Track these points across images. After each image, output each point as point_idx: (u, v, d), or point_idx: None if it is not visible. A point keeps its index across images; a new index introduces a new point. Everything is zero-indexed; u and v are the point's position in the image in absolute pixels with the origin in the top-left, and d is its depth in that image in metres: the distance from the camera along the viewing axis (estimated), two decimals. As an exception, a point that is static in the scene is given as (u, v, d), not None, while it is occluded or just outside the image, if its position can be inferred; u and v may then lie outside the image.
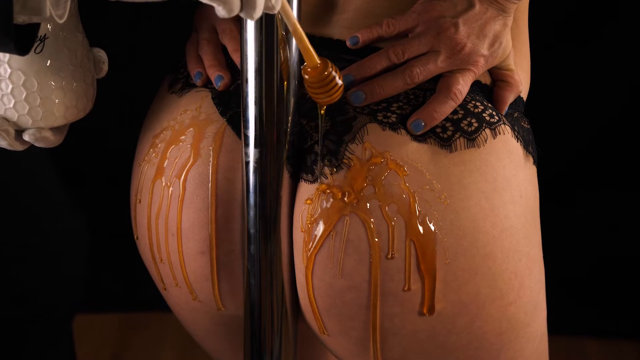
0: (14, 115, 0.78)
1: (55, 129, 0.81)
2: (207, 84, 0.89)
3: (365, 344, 0.83)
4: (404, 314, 0.81)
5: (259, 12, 0.65)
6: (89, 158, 1.91)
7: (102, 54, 0.84)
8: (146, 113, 0.95)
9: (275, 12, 0.67)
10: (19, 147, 0.81)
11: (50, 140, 0.81)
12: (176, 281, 0.90)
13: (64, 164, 1.47)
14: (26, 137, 0.80)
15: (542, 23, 1.13)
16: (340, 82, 0.75)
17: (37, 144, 0.81)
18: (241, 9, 0.64)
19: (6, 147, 0.80)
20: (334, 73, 0.74)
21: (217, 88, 0.87)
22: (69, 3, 0.66)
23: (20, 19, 0.63)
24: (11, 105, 0.78)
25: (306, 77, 0.75)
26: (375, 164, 0.79)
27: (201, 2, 0.66)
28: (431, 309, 0.80)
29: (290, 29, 0.71)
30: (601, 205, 1.94)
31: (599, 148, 1.89)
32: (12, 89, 0.77)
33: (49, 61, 0.78)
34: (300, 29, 0.72)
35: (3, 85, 0.77)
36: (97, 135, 1.75)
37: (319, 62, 0.74)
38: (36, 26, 0.68)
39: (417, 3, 0.83)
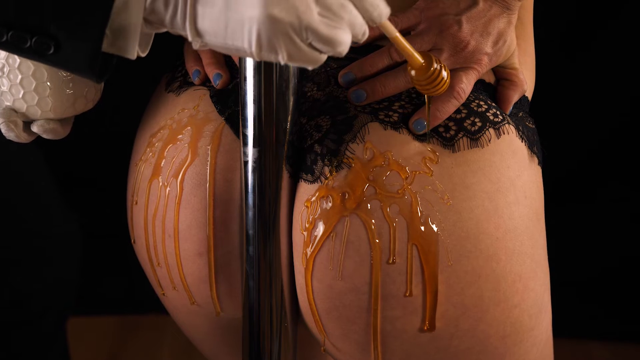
0: (22, 106, 0.79)
1: (62, 121, 0.82)
2: (206, 82, 0.89)
3: (366, 347, 0.83)
4: (406, 316, 0.80)
5: (345, 53, 0.67)
6: (85, 159, 1.92)
7: None
8: (143, 112, 0.95)
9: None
10: (26, 139, 0.81)
11: (59, 131, 0.82)
12: (173, 284, 0.89)
13: (58, 165, 1.47)
14: (35, 128, 0.81)
15: (549, 21, 1.13)
16: (445, 74, 0.77)
17: (45, 136, 0.81)
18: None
19: (13, 139, 0.81)
20: (438, 68, 0.76)
21: (215, 86, 0.87)
22: (151, 41, 0.70)
23: (106, 51, 0.67)
24: (20, 96, 0.78)
25: (412, 74, 0.77)
26: (376, 164, 0.79)
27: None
28: (432, 325, 0.80)
29: (390, 39, 0.73)
30: (607, 206, 1.95)
31: (609, 148, 1.90)
32: (21, 79, 0.77)
33: None
34: (401, 38, 0.73)
35: (12, 76, 0.77)
36: (93, 135, 1.75)
37: (422, 62, 0.75)
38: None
39: (419, 0, 0.83)
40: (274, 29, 0.63)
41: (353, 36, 0.67)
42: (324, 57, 0.66)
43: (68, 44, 0.66)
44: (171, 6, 0.65)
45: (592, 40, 1.79)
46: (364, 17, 0.67)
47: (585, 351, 1.88)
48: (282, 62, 0.65)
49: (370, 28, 0.82)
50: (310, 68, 0.66)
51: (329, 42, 0.65)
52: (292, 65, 0.66)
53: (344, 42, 0.65)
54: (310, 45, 0.65)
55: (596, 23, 1.78)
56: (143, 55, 0.70)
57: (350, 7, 0.66)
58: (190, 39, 0.66)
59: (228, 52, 0.67)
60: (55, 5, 0.64)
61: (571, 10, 1.78)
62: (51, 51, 0.66)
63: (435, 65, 0.76)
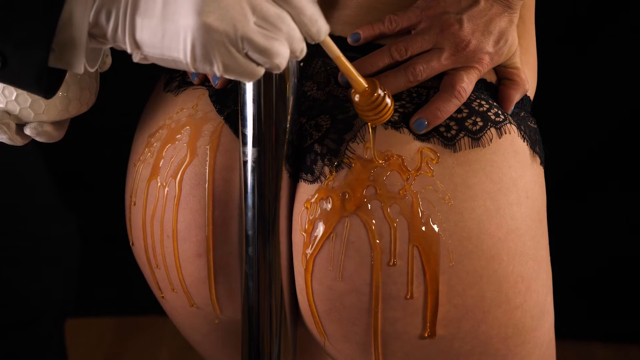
0: (15, 108, 0.78)
1: (56, 124, 0.81)
2: (204, 82, 0.88)
3: (367, 348, 0.82)
4: (406, 317, 0.80)
5: (283, 68, 0.67)
6: (83, 159, 1.92)
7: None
8: (141, 112, 0.94)
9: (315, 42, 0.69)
10: (19, 142, 0.81)
11: (52, 134, 0.81)
12: (172, 286, 0.89)
13: (56, 165, 1.47)
14: (27, 131, 0.80)
15: (551, 20, 1.13)
16: (389, 101, 0.76)
17: (38, 139, 0.81)
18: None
19: (6, 142, 0.80)
20: (382, 94, 0.76)
21: (214, 86, 0.87)
22: (101, 58, 0.69)
23: (53, 66, 0.66)
24: (13, 97, 0.78)
25: (355, 99, 0.76)
26: (376, 163, 0.79)
27: None
28: (432, 332, 0.80)
29: (333, 59, 0.73)
30: (610, 207, 1.95)
31: (609, 148, 1.90)
32: None
33: None
34: (344, 58, 0.73)
35: None
36: (91, 136, 1.75)
37: (366, 86, 0.75)
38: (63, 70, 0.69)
39: None
40: (209, 38, 0.63)
41: (291, 51, 0.66)
42: (261, 71, 0.66)
43: (15, 59, 0.65)
44: (112, 18, 0.65)
45: (594, 40, 1.79)
46: (302, 32, 0.67)
47: (588, 352, 1.88)
48: (218, 74, 0.65)
49: (369, 27, 0.83)
50: (247, 82, 0.67)
51: (265, 52, 0.64)
52: (228, 77, 0.66)
53: (281, 54, 0.65)
54: (246, 56, 0.65)
55: (598, 23, 1.78)
56: (91, 70, 0.70)
57: (289, 19, 0.66)
58: (129, 51, 0.66)
59: (167, 65, 0.67)
60: (1, 21, 0.64)
61: (573, 10, 1.77)
62: None
63: (379, 91, 0.75)
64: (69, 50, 0.66)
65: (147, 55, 0.66)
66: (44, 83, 0.66)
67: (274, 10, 0.65)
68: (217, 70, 0.65)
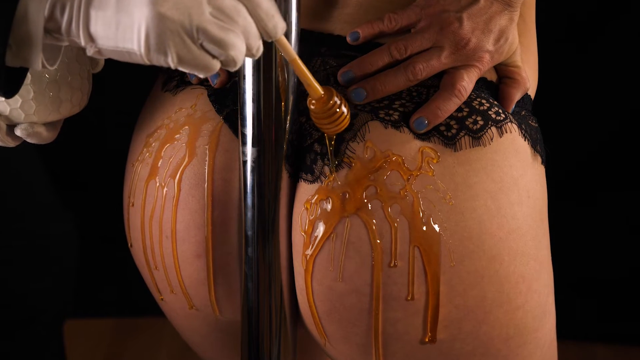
0: (5, 109, 0.78)
1: (48, 125, 0.81)
2: (203, 81, 0.88)
3: (367, 349, 0.82)
4: (407, 318, 0.80)
5: (240, 64, 0.67)
6: (81, 159, 1.92)
7: None
8: (139, 112, 0.94)
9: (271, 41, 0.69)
10: (10, 143, 0.80)
11: (43, 136, 0.81)
12: (171, 287, 0.89)
13: (54, 164, 1.47)
14: (18, 132, 0.80)
15: (552, 19, 1.12)
16: (345, 110, 0.76)
17: (29, 140, 0.80)
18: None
19: None
20: (338, 102, 0.76)
21: (213, 85, 0.86)
22: (60, 56, 0.70)
23: (11, 64, 0.66)
24: (2, 98, 0.76)
25: (311, 107, 0.76)
26: (377, 163, 0.79)
27: None
28: (434, 337, 0.80)
29: (289, 61, 0.73)
30: (612, 207, 1.95)
31: (610, 149, 1.90)
32: None
33: None
34: (300, 62, 0.73)
35: None
36: (89, 135, 1.75)
37: (322, 93, 0.75)
38: (24, 70, 0.69)
39: None
40: (163, 27, 0.63)
41: (247, 47, 0.66)
42: (217, 64, 0.66)
43: None
44: (67, 11, 0.65)
45: (596, 39, 1.79)
46: (258, 28, 0.67)
47: (590, 354, 1.88)
48: (173, 66, 0.64)
49: (369, 25, 0.82)
50: (202, 76, 0.66)
51: (221, 43, 0.64)
52: (183, 70, 0.65)
53: (237, 46, 0.65)
54: (201, 47, 0.64)
55: (599, 22, 1.78)
56: (50, 68, 0.69)
57: (245, 13, 0.66)
58: (83, 44, 0.66)
59: (121, 57, 0.66)
60: None
61: (574, 8, 1.77)
62: None
63: (335, 99, 0.75)
64: (26, 47, 0.65)
65: (101, 47, 0.66)
66: (2, 82, 0.66)
67: (229, 2, 0.65)
68: (172, 61, 0.64)
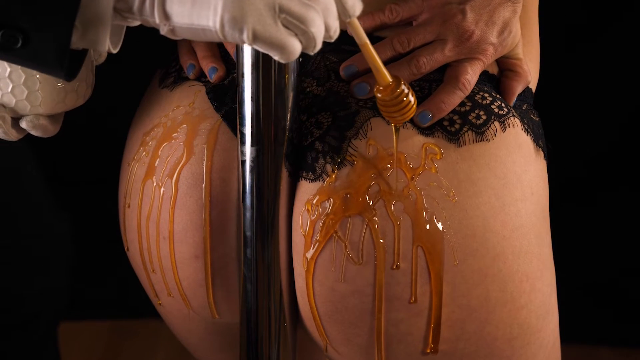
0: (11, 101, 0.78)
1: (52, 117, 0.81)
2: (201, 77, 0.88)
3: (369, 351, 0.82)
4: (410, 319, 0.80)
5: (319, 45, 0.66)
6: (76, 158, 1.93)
7: None
8: (136, 109, 0.94)
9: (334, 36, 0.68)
10: (14, 136, 0.81)
11: (48, 128, 0.81)
12: (169, 289, 0.88)
13: (49, 163, 1.47)
14: (23, 124, 0.80)
15: (554, 12, 1.12)
16: (412, 99, 0.75)
17: (33, 132, 0.80)
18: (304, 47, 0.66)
19: (1, 136, 0.80)
20: (406, 90, 0.75)
21: (210, 80, 0.86)
22: (122, 37, 0.71)
23: (76, 46, 0.66)
24: (9, 90, 0.77)
25: (378, 95, 0.75)
26: (379, 161, 0.78)
27: None
28: (436, 338, 0.80)
29: (359, 45, 0.72)
30: (617, 209, 1.96)
31: (617, 149, 1.91)
32: (10, 72, 0.77)
33: None
34: (370, 46, 0.72)
35: (0, 69, 0.76)
36: (84, 133, 1.75)
37: (391, 80, 0.74)
38: (84, 51, 0.69)
39: None
40: (242, 1, 0.62)
41: (326, 27, 0.65)
42: (297, 44, 0.65)
43: (37, 37, 0.65)
44: None
45: (600, 33, 1.79)
46: (337, 6, 0.66)
47: (594, 356, 1.88)
48: (248, 43, 0.63)
49: (370, 17, 0.81)
50: (277, 57, 0.64)
51: (302, 19, 0.64)
52: (257, 49, 0.65)
53: (317, 23, 0.64)
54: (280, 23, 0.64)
55: (604, 16, 1.79)
56: (114, 51, 0.70)
57: None
58: (157, 22, 0.65)
59: (195, 36, 0.66)
60: None
61: (579, 3, 1.77)
62: (19, 45, 0.65)
63: (403, 87, 0.75)
64: (93, 28, 0.65)
65: (175, 25, 0.65)
66: (66, 63, 0.66)
67: None
68: (247, 38, 0.63)
